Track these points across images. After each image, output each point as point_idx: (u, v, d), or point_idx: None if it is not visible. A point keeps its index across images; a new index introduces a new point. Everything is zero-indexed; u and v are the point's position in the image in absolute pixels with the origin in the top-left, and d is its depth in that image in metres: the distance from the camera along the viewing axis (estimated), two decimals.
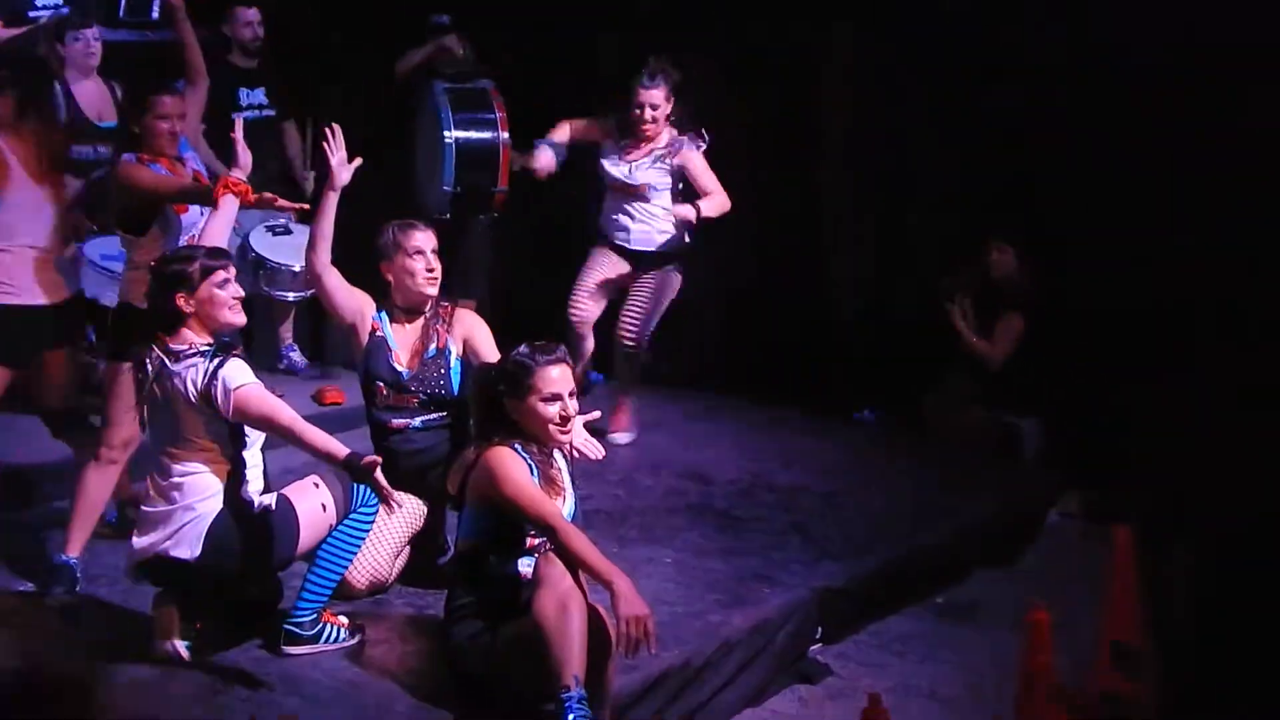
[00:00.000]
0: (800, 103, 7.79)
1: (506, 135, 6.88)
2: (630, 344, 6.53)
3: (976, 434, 6.95)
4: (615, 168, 6.43)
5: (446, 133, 6.80)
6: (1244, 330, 6.29)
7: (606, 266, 6.51)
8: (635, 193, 6.41)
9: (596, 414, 4.74)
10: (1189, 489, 5.52)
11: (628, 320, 6.52)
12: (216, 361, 4.24)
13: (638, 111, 6.33)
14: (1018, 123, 7.04)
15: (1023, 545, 6.19)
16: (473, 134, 6.85)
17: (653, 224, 6.44)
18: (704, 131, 6.38)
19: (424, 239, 5.10)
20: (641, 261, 6.49)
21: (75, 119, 6.48)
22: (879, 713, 3.84)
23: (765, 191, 7.62)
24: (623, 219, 6.47)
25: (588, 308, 6.46)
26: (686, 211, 6.24)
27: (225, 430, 4.26)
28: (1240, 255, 6.30)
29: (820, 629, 5.14)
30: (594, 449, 4.65)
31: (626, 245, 6.48)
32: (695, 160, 6.36)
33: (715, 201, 6.34)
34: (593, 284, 6.49)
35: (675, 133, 6.38)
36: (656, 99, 6.33)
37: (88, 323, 6.34)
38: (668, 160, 6.37)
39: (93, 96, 6.57)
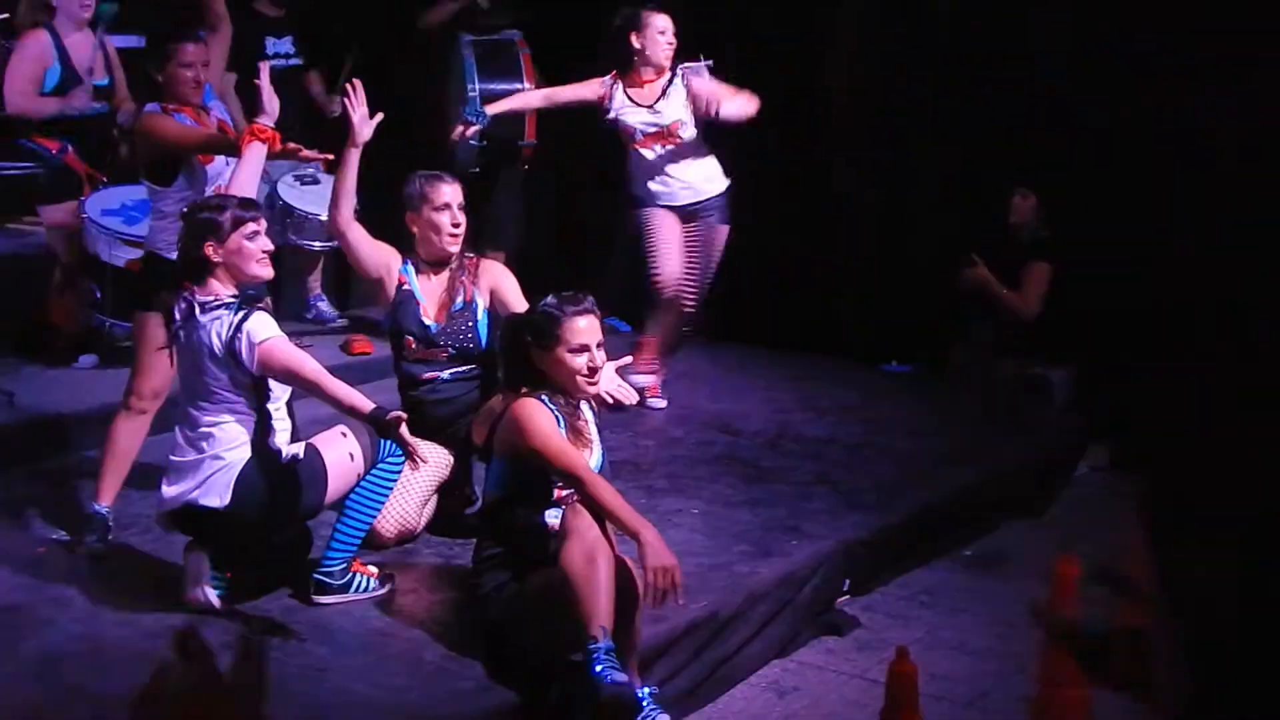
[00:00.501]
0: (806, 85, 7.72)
1: (533, 86, 6.83)
2: (691, 307, 6.34)
3: (1005, 384, 6.93)
4: (637, 115, 6.20)
5: (471, 86, 6.78)
6: (1260, 327, 6.23)
7: (670, 226, 6.25)
8: (668, 135, 6.17)
9: (627, 359, 4.75)
10: (1210, 472, 5.45)
11: (687, 283, 6.29)
12: (241, 314, 4.24)
13: (660, 37, 6.11)
14: (1023, 106, 7.01)
15: (1051, 497, 6.18)
16: (498, 87, 6.82)
17: (690, 171, 6.21)
18: (701, 57, 6.16)
19: (451, 193, 5.09)
20: (689, 216, 6.27)
21: (65, 72, 6.45)
22: (906, 665, 3.84)
23: (777, 162, 7.62)
24: (660, 178, 6.22)
25: (673, 270, 6.23)
26: (702, 80, 6.07)
27: (251, 382, 4.26)
28: (1250, 251, 6.23)
29: (848, 581, 5.13)
30: (627, 393, 4.67)
31: (673, 204, 6.24)
32: (703, 78, 6.10)
33: (737, 101, 6.05)
34: (669, 246, 6.23)
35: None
36: (672, 24, 6.14)
37: (93, 280, 6.38)
38: (682, 84, 6.12)
39: (84, 50, 6.47)
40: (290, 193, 6.85)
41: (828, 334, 7.48)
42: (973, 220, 7.28)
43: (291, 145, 5.10)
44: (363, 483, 4.40)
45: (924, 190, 7.60)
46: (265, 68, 5.03)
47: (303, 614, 4.36)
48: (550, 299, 4.30)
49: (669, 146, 6.21)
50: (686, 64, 6.14)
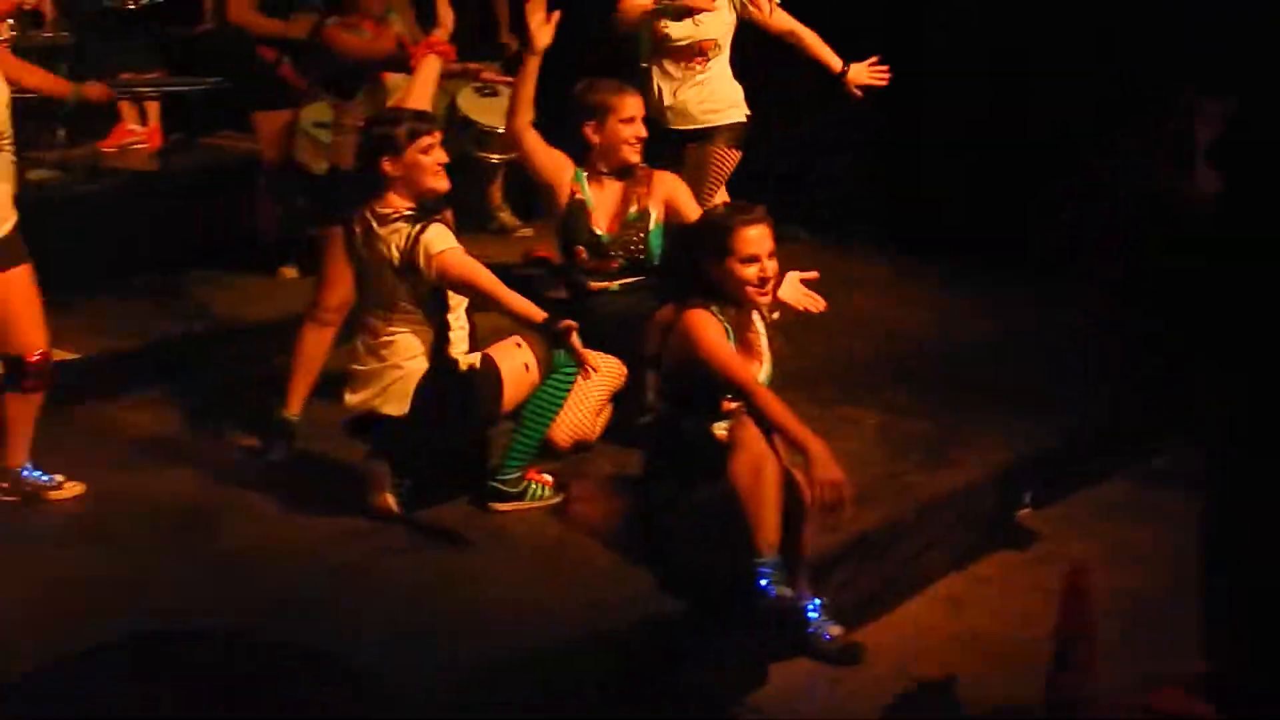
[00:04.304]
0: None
1: None
2: None
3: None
4: (675, 22, 5.62)
5: None
6: None
7: None
8: (697, 52, 5.66)
9: (815, 274, 4.68)
10: None
11: None
12: (419, 227, 4.28)
13: None
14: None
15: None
16: None
17: (704, 94, 5.68)
18: None
19: (635, 105, 5.05)
20: (689, 140, 5.71)
21: None
22: (1082, 579, 3.74)
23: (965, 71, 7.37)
24: (668, 93, 5.68)
25: None
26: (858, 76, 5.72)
27: (429, 293, 4.31)
28: None
29: (1028, 493, 5.03)
30: (815, 301, 4.62)
31: (669, 126, 5.65)
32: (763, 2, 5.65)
33: (814, 38, 5.71)
34: None
35: None
36: None
37: (296, 187, 6.55)
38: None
39: None
40: (470, 104, 6.88)
41: (1010, 242, 7.27)
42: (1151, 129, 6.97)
43: (473, 66, 5.12)
44: (538, 392, 4.44)
45: (1109, 99, 7.30)
46: None
47: (479, 521, 4.45)
48: (721, 208, 4.26)
49: (686, 65, 5.68)
50: None
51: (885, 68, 5.78)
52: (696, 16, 5.63)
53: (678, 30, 5.65)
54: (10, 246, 4.46)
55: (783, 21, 5.74)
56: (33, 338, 4.52)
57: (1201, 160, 6.82)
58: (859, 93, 5.80)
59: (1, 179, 4.44)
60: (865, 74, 5.77)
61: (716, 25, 5.67)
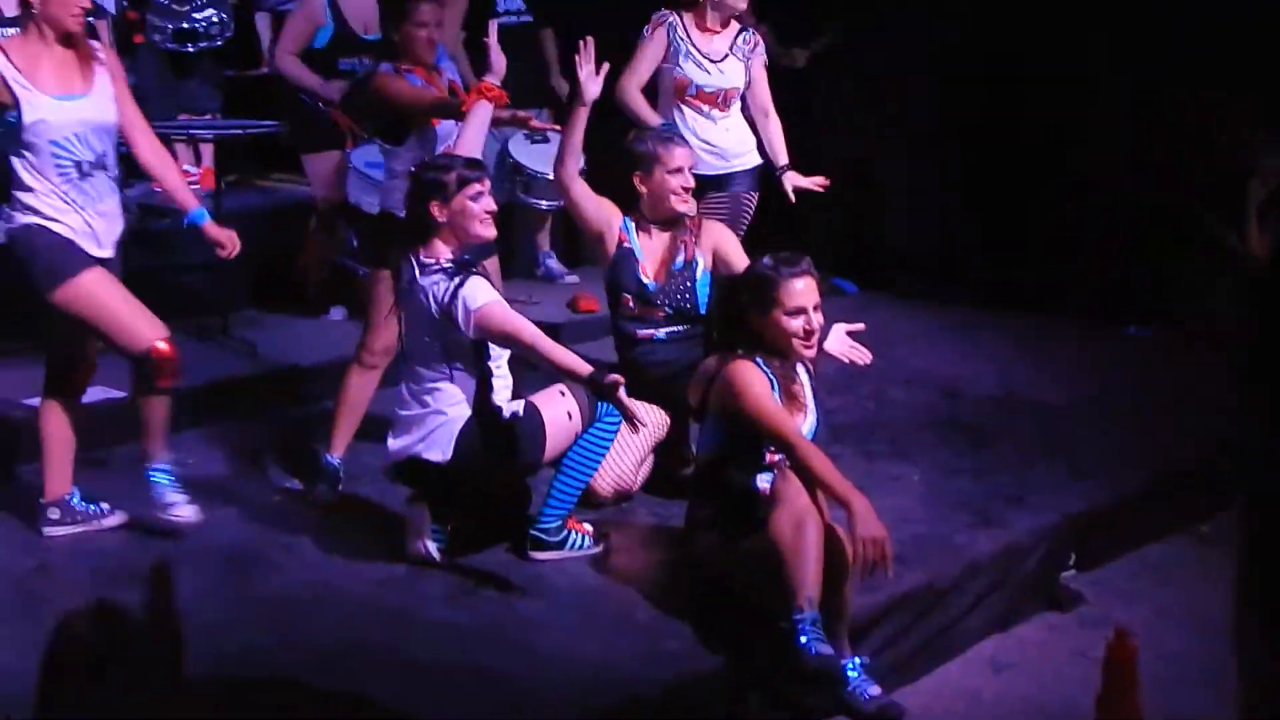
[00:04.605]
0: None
1: None
2: None
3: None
4: (700, 71, 5.71)
5: None
6: None
7: None
8: (720, 99, 5.76)
9: (861, 325, 4.68)
10: None
11: None
12: (458, 280, 4.27)
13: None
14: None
15: None
16: None
17: (728, 138, 5.78)
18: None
19: (684, 156, 5.07)
20: (716, 185, 5.72)
21: (341, 32, 6.66)
22: (1125, 646, 3.70)
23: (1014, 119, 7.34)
24: (696, 139, 5.60)
25: None
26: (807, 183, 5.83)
27: (469, 345, 4.32)
28: None
29: (1074, 555, 4.97)
30: (861, 354, 4.62)
31: (699, 173, 5.41)
32: (761, 70, 5.84)
33: (778, 128, 5.88)
34: None
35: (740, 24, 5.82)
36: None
37: (349, 227, 6.59)
38: (748, 54, 5.77)
39: (360, 8, 6.68)
40: (521, 151, 6.92)
41: (1062, 295, 7.22)
42: (1218, 173, 6.91)
43: (521, 114, 5.15)
44: (580, 441, 4.43)
45: (1165, 144, 7.26)
46: (494, 25, 5.05)
47: (519, 569, 4.43)
48: (766, 260, 4.26)
49: (709, 112, 5.77)
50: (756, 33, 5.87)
51: (823, 178, 5.87)
52: (719, 64, 5.76)
53: (702, 77, 5.74)
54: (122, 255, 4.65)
55: (766, 99, 5.88)
56: (156, 327, 4.47)
57: (1254, 219, 6.77)
58: (793, 197, 5.85)
59: (108, 195, 4.58)
60: (802, 180, 5.84)
61: (736, 75, 5.78)
